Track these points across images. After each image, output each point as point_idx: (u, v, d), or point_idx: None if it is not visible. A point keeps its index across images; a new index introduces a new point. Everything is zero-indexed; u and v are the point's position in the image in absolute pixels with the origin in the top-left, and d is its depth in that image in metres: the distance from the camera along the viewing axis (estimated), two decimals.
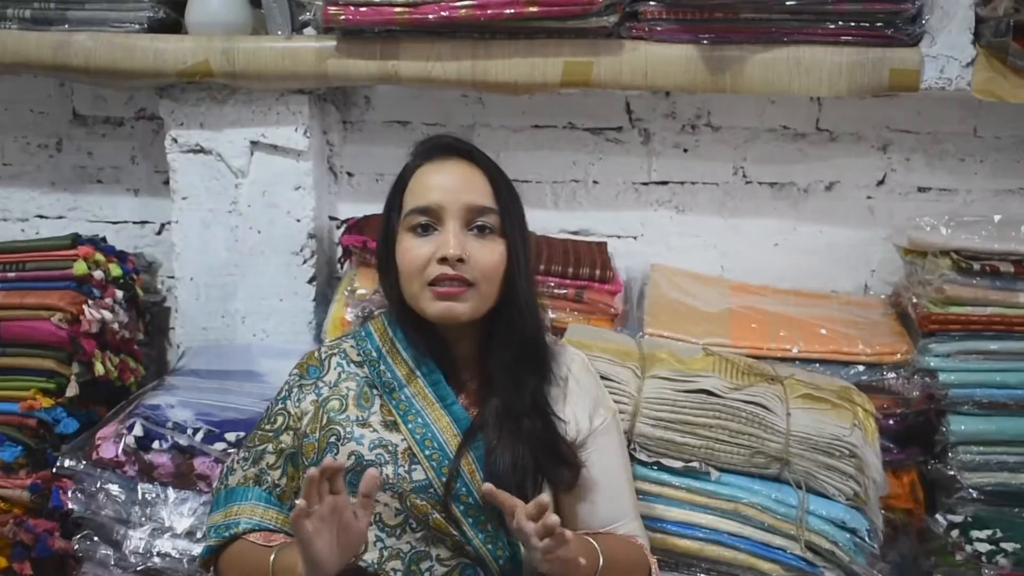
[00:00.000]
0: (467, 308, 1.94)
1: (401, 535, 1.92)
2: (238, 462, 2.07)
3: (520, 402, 1.97)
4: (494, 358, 2.01)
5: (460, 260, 1.91)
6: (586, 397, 2.08)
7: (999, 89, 2.64)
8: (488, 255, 1.95)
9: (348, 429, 1.96)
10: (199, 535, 2.47)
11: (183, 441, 2.51)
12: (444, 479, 1.91)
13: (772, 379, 2.39)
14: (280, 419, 2.05)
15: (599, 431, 2.06)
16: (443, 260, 1.91)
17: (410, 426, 1.95)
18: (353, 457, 1.93)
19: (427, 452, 1.93)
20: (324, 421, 1.99)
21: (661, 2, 2.67)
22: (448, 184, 1.96)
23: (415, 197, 1.98)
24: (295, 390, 2.07)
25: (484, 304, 1.97)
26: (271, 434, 2.04)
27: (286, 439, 2.02)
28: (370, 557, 1.92)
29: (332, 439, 1.96)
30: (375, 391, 2.01)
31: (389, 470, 1.92)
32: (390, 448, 1.94)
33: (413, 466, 1.92)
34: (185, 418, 2.57)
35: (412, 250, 1.95)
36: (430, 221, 1.95)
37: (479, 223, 1.96)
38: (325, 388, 2.04)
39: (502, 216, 1.97)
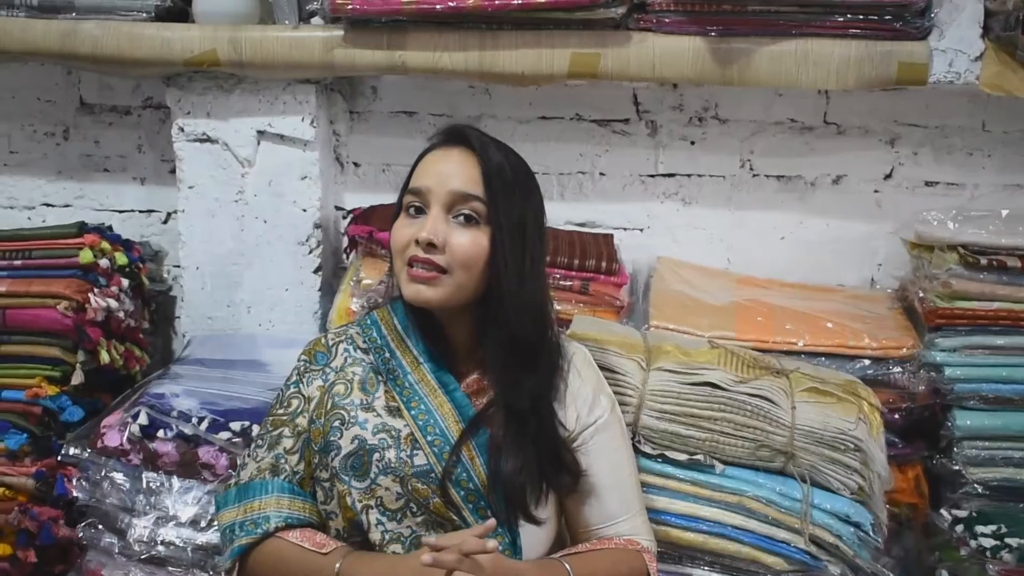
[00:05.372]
0: (437, 294, 1.94)
1: (402, 519, 1.93)
2: (250, 456, 2.06)
3: (519, 401, 1.97)
4: (487, 352, 2.01)
5: (431, 245, 1.91)
6: (586, 390, 2.08)
7: (1007, 83, 2.63)
8: (467, 244, 1.93)
9: (352, 413, 1.97)
10: (203, 524, 2.47)
11: (188, 430, 2.51)
12: (444, 464, 1.92)
13: (777, 372, 2.39)
14: (296, 402, 2.05)
15: (599, 427, 2.06)
16: (418, 243, 1.92)
17: (413, 412, 1.96)
18: (356, 441, 1.94)
19: (429, 437, 1.94)
20: (329, 406, 2.00)
21: None
22: (440, 169, 1.97)
23: (413, 179, 2.00)
24: (305, 375, 2.08)
25: (459, 293, 1.96)
26: (286, 417, 2.04)
27: (302, 421, 2.03)
28: (371, 540, 1.93)
29: (336, 423, 1.97)
30: (380, 377, 2.02)
31: (391, 454, 1.93)
32: (393, 433, 1.95)
33: (415, 451, 1.93)
34: (190, 407, 2.57)
35: (399, 229, 1.98)
36: (420, 203, 1.97)
37: (464, 211, 1.95)
38: (332, 373, 2.06)
39: (488, 206, 1.95)
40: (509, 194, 1.98)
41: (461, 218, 1.95)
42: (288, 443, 2.02)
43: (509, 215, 1.96)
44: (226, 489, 2.05)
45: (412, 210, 1.98)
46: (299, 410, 2.04)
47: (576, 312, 2.75)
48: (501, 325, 1.97)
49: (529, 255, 1.99)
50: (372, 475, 1.93)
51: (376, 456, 1.93)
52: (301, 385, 2.07)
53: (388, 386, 2.00)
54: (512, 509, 1.94)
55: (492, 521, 1.84)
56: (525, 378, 1.99)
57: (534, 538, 1.99)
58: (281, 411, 2.06)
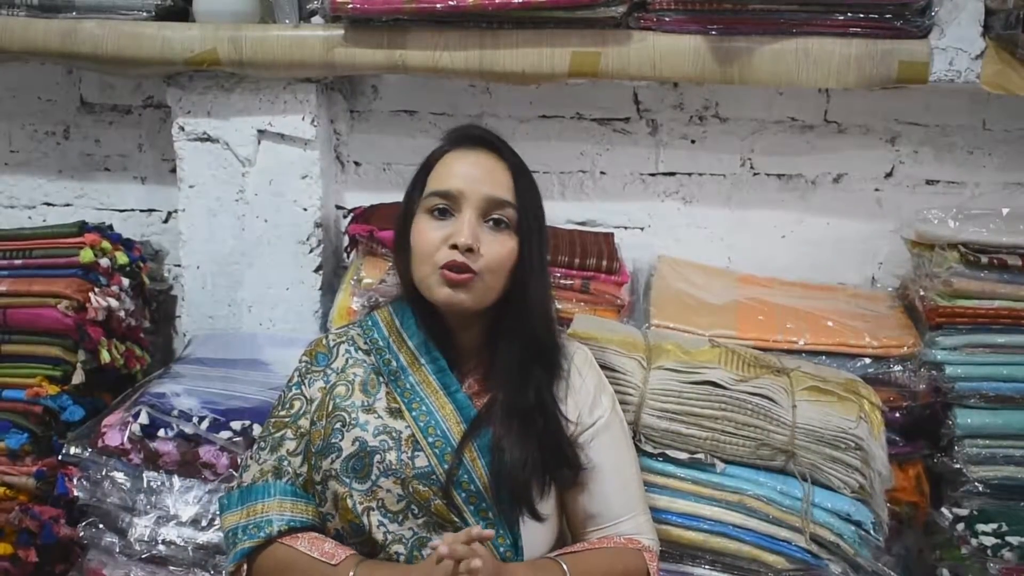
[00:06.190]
0: (470, 298, 1.95)
1: (403, 521, 1.93)
2: (252, 458, 2.06)
3: (524, 399, 1.98)
4: (500, 352, 2.02)
5: (470, 250, 1.92)
6: (587, 391, 2.09)
7: (1008, 82, 2.63)
8: (499, 249, 1.96)
9: (353, 415, 1.97)
10: (204, 523, 2.47)
11: (188, 429, 2.51)
12: (446, 466, 1.92)
13: (778, 371, 2.39)
14: (297, 403, 2.06)
15: (600, 426, 2.06)
16: (455, 247, 1.92)
17: (414, 413, 1.96)
18: (357, 443, 1.94)
19: (430, 439, 1.94)
20: (330, 408, 1.99)
21: None
22: (471, 173, 1.98)
23: (438, 181, 1.99)
24: (306, 376, 2.08)
25: (488, 296, 1.98)
26: (288, 419, 2.05)
27: (304, 423, 2.03)
28: (375, 538, 1.92)
29: (337, 425, 1.97)
30: (381, 378, 2.02)
31: (392, 456, 1.92)
32: (393, 435, 1.94)
33: (416, 453, 1.93)
34: (190, 406, 2.57)
35: (426, 232, 1.97)
36: (448, 206, 1.97)
37: (495, 216, 1.97)
38: (333, 375, 2.06)
39: (519, 212, 1.99)
40: (532, 199, 2.03)
41: (491, 223, 1.97)
42: (291, 445, 2.02)
43: (534, 220, 2.02)
44: (229, 491, 2.05)
45: (437, 212, 1.98)
46: (301, 411, 2.04)
47: (577, 311, 2.74)
48: (521, 327, 2.01)
49: (545, 257, 2.06)
50: (373, 477, 1.93)
51: (377, 458, 1.93)
52: (303, 386, 2.07)
53: (389, 387, 2.01)
54: (515, 507, 1.94)
55: (491, 532, 1.85)
56: (534, 376, 2.01)
57: (536, 539, 1.98)
58: (283, 412, 2.06)
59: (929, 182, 3.05)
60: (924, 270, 2.77)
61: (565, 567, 1.93)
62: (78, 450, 2.57)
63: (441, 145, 2.07)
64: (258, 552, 1.95)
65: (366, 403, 1.99)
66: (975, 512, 2.56)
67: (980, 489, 2.60)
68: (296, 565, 1.91)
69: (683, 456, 2.29)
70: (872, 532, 2.25)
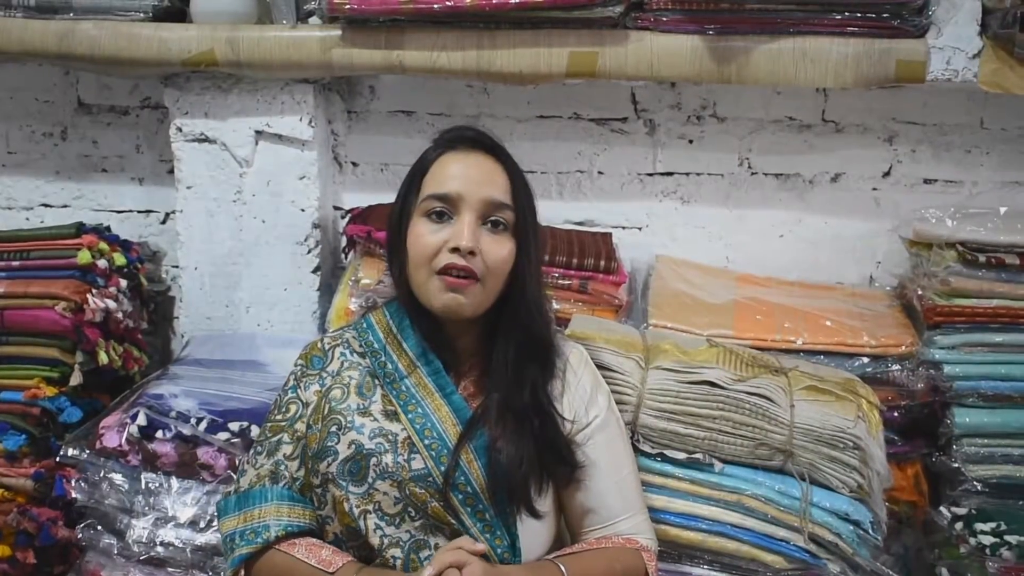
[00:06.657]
0: (471, 303, 1.95)
1: (400, 523, 1.92)
2: (248, 462, 2.06)
3: (519, 397, 1.98)
4: (497, 352, 2.02)
5: (472, 253, 1.92)
6: (582, 389, 2.09)
7: (1006, 81, 2.63)
8: (498, 251, 1.96)
9: (349, 418, 1.97)
10: (202, 524, 2.47)
11: (186, 431, 2.51)
12: (443, 468, 1.92)
13: (776, 371, 2.39)
14: (294, 407, 2.05)
15: (597, 425, 2.06)
16: (455, 250, 1.92)
17: (410, 416, 1.96)
18: (353, 446, 1.94)
19: (426, 442, 1.93)
20: (326, 411, 1.99)
21: None
22: (470, 175, 1.97)
23: (435, 183, 1.98)
24: (302, 380, 2.07)
25: (488, 299, 1.98)
26: (285, 423, 2.04)
27: (301, 427, 2.02)
28: (371, 543, 1.92)
29: (333, 428, 1.96)
30: (376, 381, 2.02)
31: (388, 459, 1.92)
32: (390, 437, 1.94)
33: (412, 455, 1.93)
34: (188, 407, 2.57)
35: (424, 236, 1.96)
36: (446, 209, 1.96)
37: (494, 218, 1.97)
38: (328, 378, 2.05)
39: (517, 214, 1.99)
40: (528, 200, 2.03)
41: (489, 225, 1.97)
42: (287, 449, 2.02)
43: (530, 221, 2.03)
44: (226, 496, 2.05)
45: (435, 215, 1.97)
46: (297, 415, 2.04)
47: (575, 311, 2.74)
48: (518, 328, 2.01)
49: (542, 258, 2.08)
50: (370, 480, 1.92)
51: (373, 461, 1.93)
52: (299, 390, 2.07)
53: (385, 390, 2.00)
54: (513, 507, 1.94)
55: (482, 545, 1.87)
56: (529, 375, 2.01)
57: (534, 540, 1.99)
58: (279, 416, 2.06)
59: (927, 181, 3.05)
60: (922, 269, 2.77)
61: (563, 568, 1.93)
62: (76, 451, 2.57)
63: (435, 146, 2.05)
64: (256, 558, 1.95)
65: (362, 406, 1.99)
66: (973, 511, 2.56)
67: (978, 488, 2.60)
68: (294, 573, 1.91)
69: (681, 456, 2.29)
70: (871, 531, 2.25)
